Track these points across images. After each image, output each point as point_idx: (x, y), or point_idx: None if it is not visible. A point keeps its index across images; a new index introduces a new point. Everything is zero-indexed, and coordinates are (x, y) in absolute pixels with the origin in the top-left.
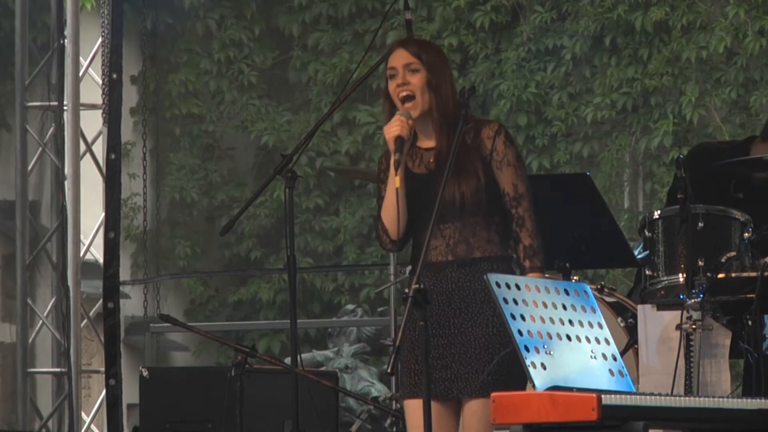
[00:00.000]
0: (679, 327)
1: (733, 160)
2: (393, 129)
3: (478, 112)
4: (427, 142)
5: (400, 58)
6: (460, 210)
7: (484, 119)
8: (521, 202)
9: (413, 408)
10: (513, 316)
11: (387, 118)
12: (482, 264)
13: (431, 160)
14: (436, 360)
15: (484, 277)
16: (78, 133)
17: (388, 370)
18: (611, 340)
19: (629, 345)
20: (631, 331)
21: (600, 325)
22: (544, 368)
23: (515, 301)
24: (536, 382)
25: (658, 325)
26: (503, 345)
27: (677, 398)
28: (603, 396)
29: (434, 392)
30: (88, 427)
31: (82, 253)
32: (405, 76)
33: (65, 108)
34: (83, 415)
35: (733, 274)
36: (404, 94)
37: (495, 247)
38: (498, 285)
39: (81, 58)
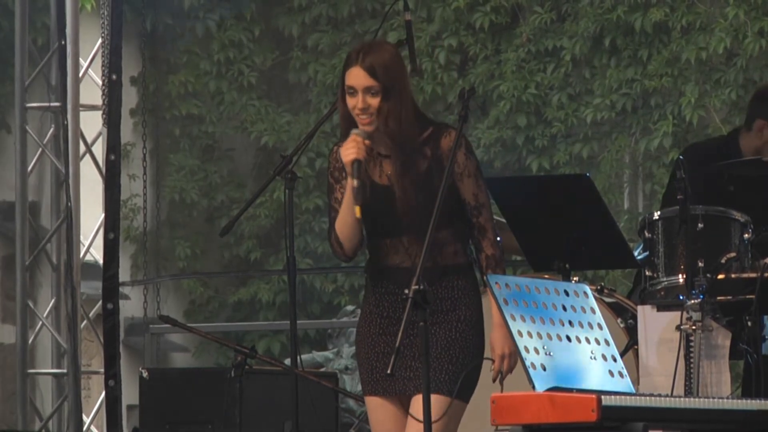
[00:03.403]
0: (678, 328)
1: (730, 162)
2: (349, 152)
3: (477, 113)
4: (384, 150)
5: (359, 79)
6: (424, 223)
7: (441, 125)
8: (482, 212)
9: (375, 405)
10: (513, 317)
11: (344, 128)
12: (448, 272)
13: (389, 172)
14: (398, 359)
15: (484, 278)
16: (78, 134)
17: (389, 371)
18: (611, 341)
19: (629, 346)
20: (631, 332)
21: (600, 326)
22: (544, 369)
23: (515, 302)
24: (536, 383)
25: (657, 326)
26: (463, 350)
27: (677, 399)
28: (603, 397)
29: (392, 390)
30: (88, 427)
31: (81, 254)
32: (365, 99)
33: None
34: (83, 415)
35: (733, 275)
36: (365, 118)
37: (460, 257)
38: (498, 286)
39: (81, 59)
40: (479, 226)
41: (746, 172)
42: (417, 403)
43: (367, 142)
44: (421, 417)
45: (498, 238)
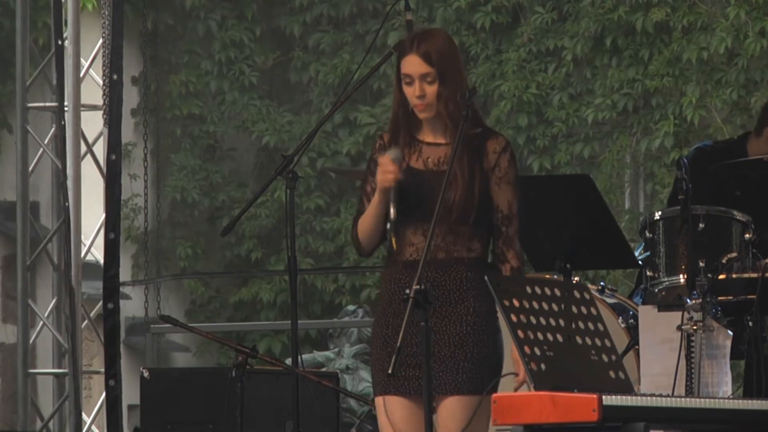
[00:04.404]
0: (680, 328)
1: (730, 162)
2: (387, 179)
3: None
4: (432, 138)
5: (415, 66)
6: (448, 214)
7: (492, 130)
8: (513, 222)
9: (389, 405)
10: (513, 316)
11: (395, 116)
12: (458, 265)
13: (430, 158)
14: (411, 358)
15: (485, 278)
16: (79, 134)
17: (390, 371)
18: (612, 340)
19: (630, 346)
20: (632, 331)
21: (601, 326)
22: (545, 369)
23: (515, 301)
24: (537, 383)
25: (659, 326)
26: (477, 343)
27: (678, 399)
28: (604, 396)
29: (408, 389)
30: (89, 427)
31: (82, 254)
32: (422, 87)
33: (66, 109)
34: (84, 415)
35: (734, 275)
36: (422, 107)
37: (474, 254)
38: (498, 285)
39: (82, 59)
40: (507, 236)
41: (749, 173)
42: (443, 407)
43: (404, 164)
44: (448, 420)
45: (522, 250)
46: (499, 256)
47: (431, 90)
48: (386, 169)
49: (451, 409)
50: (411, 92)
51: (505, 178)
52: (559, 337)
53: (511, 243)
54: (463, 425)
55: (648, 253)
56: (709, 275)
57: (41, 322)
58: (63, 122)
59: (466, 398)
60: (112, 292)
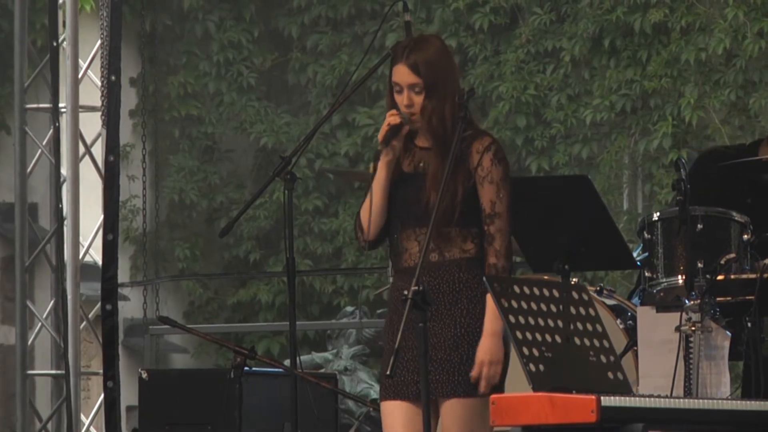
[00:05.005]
0: (678, 329)
1: (735, 162)
2: (384, 126)
3: (477, 114)
4: (423, 142)
5: (403, 76)
6: (430, 216)
7: (481, 131)
8: (494, 221)
9: (389, 409)
10: (512, 318)
11: (389, 110)
12: (450, 267)
13: (421, 163)
14: (410, 362)
15: (483, 279)
16: (77, 135)
17: (388, 372)
18: (610, 341)
19: (628, 347)
20: (631, 332)
21: (599, 327)
22: (543, 370)
23: (514, 303)
24: (535, 384)
25: (657, 327)
26: (471, 345)
27: (676, 400)
28: (602, 397)
29: (407, 393)
30: (87, 428)
31: (81, 255)
32: (410, 96)
33: (64, 110)
34: (82, 417)
35: (733, 276)
36: (411, 115)
37: (468, 255)
38: (496, 286)
39: (80, 60)
40: (488, 234)
41: (754, 176)
42: (444, 410)
43: (406, 128)
44: (450, 423)
45: (508, 248)
46: (485, 254)
47: (419, 100)
48: (388, 118)
49: (450, 411)
50: (400, 100)
51: (488, 177)
52: (558, 338)
53: (492, 241)
54: (464, 427)
55: (646, 254)
56: (708, 276)
57: (39, 324)
58: (57, 123)
59: (464, 400)
60: (110, 293)
